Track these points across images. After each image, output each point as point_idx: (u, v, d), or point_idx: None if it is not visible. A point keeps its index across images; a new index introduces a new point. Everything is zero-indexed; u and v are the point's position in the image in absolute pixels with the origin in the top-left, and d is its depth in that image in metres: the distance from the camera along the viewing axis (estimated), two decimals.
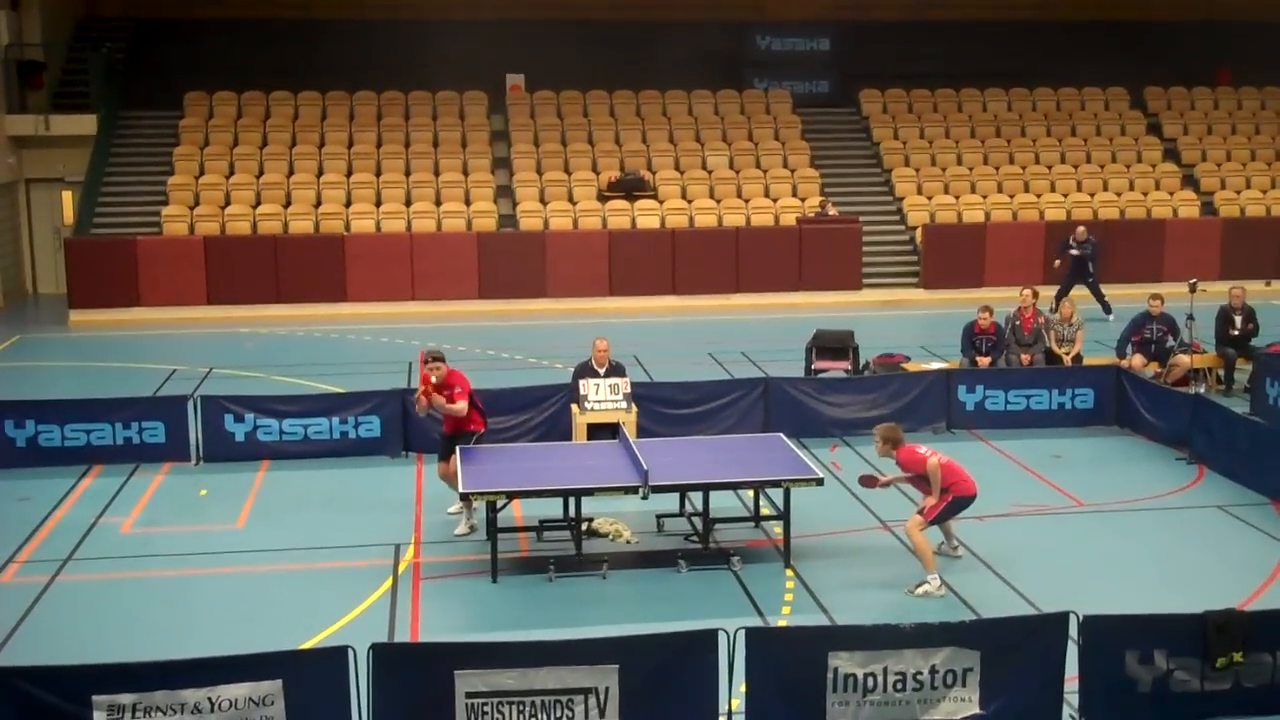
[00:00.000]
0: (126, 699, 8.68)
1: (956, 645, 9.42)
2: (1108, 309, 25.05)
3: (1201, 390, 17.84)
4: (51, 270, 29.97)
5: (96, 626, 11.48)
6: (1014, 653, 9.49)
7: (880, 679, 9.34)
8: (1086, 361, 18.96)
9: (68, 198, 30.29)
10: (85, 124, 29.39)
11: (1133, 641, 9.49)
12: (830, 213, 28.62)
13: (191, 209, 27.87)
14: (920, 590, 11.99)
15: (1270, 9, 33.89)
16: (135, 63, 31.57)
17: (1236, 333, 19.30)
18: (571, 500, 12.77)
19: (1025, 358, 18.88)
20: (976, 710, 9.46)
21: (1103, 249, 26.12)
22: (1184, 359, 18.66)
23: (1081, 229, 25.81)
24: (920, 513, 12.20)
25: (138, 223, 27.97)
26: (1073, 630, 9.58)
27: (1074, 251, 25.34)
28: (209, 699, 8.75)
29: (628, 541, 13.28)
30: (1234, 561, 12.82)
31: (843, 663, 9.31)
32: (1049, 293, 24.64)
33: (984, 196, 30.06)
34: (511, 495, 12.53)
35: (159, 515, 14.44)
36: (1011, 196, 30.08)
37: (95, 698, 8.66)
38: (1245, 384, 18.73)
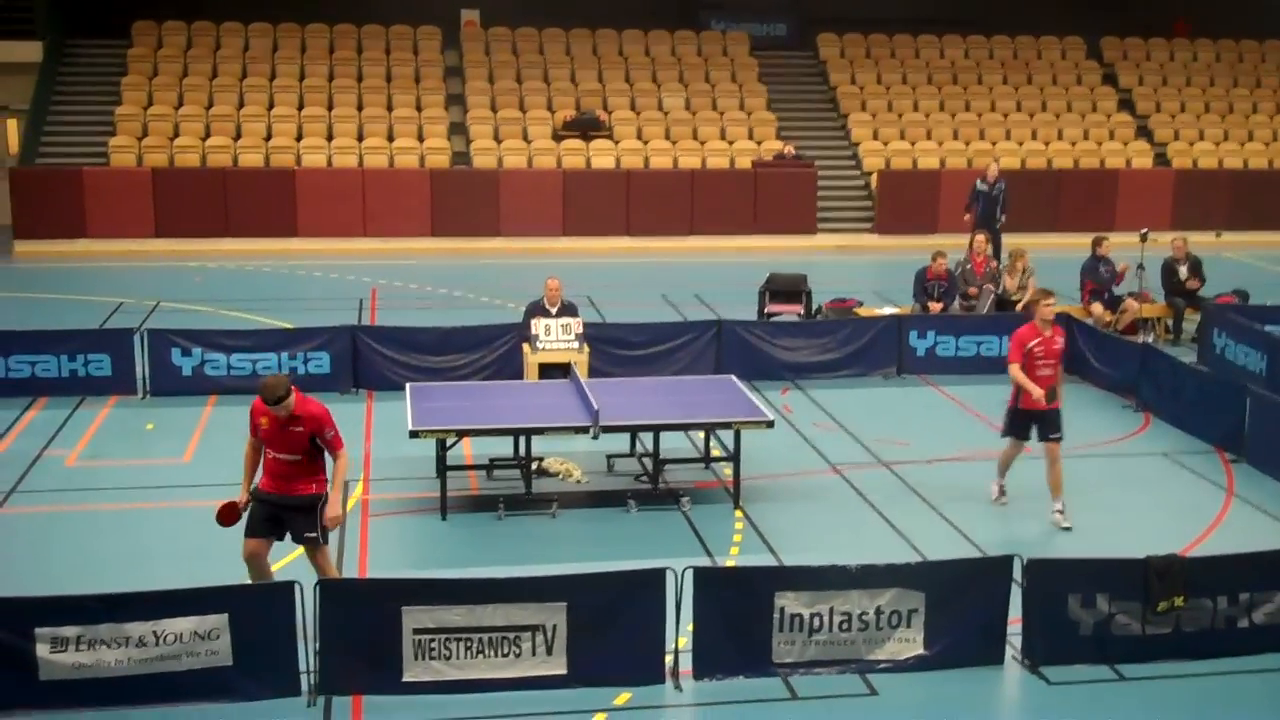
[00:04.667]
0: (70, 631, 8.62)
1: (902, 586, 9.51)
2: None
3: (1150, 339, 18.00)
4: None
5: (40, 560, 11.37)
6: (958, 595, 9.59)
7: (826, 619, 9.42)
8: None
9: (13, 126, 29.72)
10: (31, 51, 28.80)
11: (1075, 585, 9.60)
12: (787, 154, 28.42)
13: (139, 140, 27.42)
14: (1061, 518, 12.46)
15: None
16: None
17: (1184, 283, 19.42)
18: (522, 439, 12.74)
19: (973, 290, 18.97)
20: (921, 651, 9.56)
21: (1009, 196, 23.94)
22: (1133, 303, 18.85)
23: (994, 167, 24.19)
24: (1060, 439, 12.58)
25: (84, 153, 27.50)
26: (1017, 573, 9.68)
27: (982, 187, 23.70)
28: (154, 632, 8.71)
29: (578, 481, 13.28)
30: (1177, 508, 12.99)
31: (789, 602, 9.38)
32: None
33: (939, 143, 30.05)
34: (461, 434, 12.49)
35: (104, 449, 14.30)
36: (967, 144, 30.08)
37: (38, 630, 8.60)
38: (1193, 334, 18.89)
